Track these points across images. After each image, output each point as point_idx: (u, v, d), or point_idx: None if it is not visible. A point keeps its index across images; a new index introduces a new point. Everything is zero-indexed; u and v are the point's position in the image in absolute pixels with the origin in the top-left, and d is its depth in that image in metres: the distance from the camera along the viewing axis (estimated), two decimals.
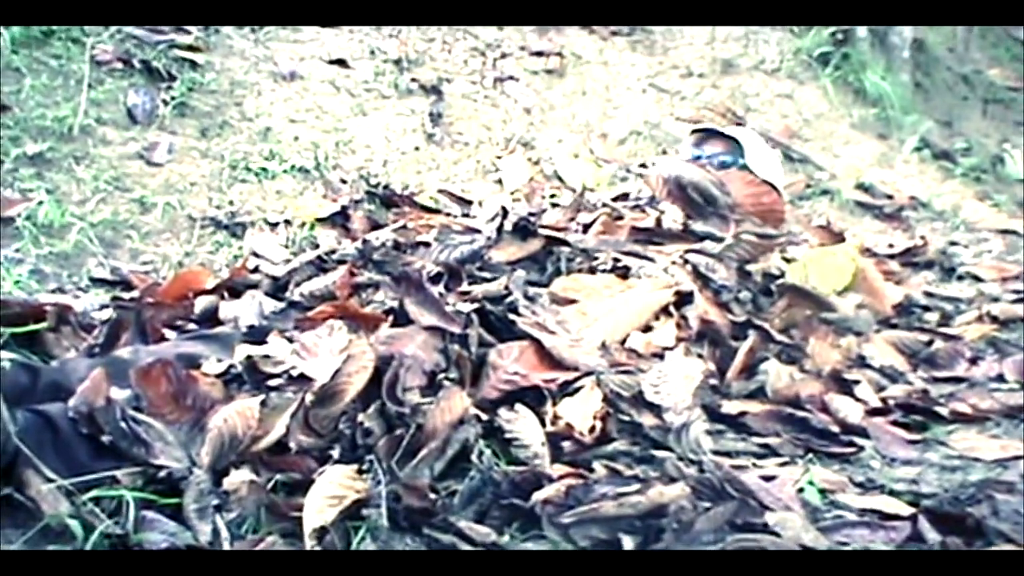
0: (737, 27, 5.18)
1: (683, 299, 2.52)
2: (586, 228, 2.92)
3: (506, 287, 2.38)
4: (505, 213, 2.74)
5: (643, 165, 3.56)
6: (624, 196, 3.38)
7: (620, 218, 2.96)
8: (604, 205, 3.18)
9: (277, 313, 2.41)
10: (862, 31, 5.08)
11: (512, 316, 2.28)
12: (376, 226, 3.18)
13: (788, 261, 2.80)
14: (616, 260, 2.64)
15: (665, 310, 2.50)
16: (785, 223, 3.08)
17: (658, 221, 2.88)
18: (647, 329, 2.44)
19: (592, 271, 2.62)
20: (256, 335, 2.23)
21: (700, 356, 2.38)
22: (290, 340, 2.10)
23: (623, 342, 2.37)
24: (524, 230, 2.71)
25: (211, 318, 2.46)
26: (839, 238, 3.19)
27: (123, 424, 1.79)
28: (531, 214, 2.97)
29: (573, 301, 2.45)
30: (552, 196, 3.74)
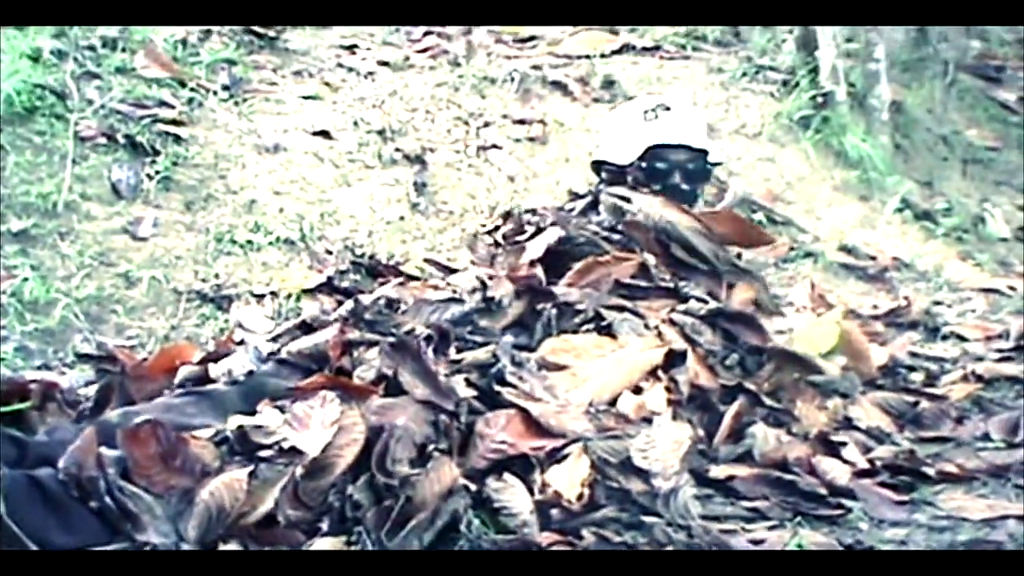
0: (718, 91, 5.23)
1: (672, 360, 2.52)
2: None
3: (494, 354, 2.39)
4: (484, 285, 2.73)
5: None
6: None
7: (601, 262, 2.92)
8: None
9: (269, 371, 2.41)
10: (841, 95, 5.12)
11: (499, 387, 2.28)
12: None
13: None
14: (599, 316, 2.64)
15: (654, 371, 2.50)
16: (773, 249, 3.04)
17: (642, 267, 2.86)
18: (637, 391, 2.44)
19: (577, 329, 2.61)
20: (247, 391, 2.24)
21: (689, 421, 2.39)
22: (281, 410, 2.09)
23: (612, 404, 2.38)
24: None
25: (197, 384, 2.46)
26: (824, 302, 3.20)
27: (108, 497, 1.78)
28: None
29: (562, 366, 2.45)
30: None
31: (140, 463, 1.86)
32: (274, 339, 2.67)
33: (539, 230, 3.05)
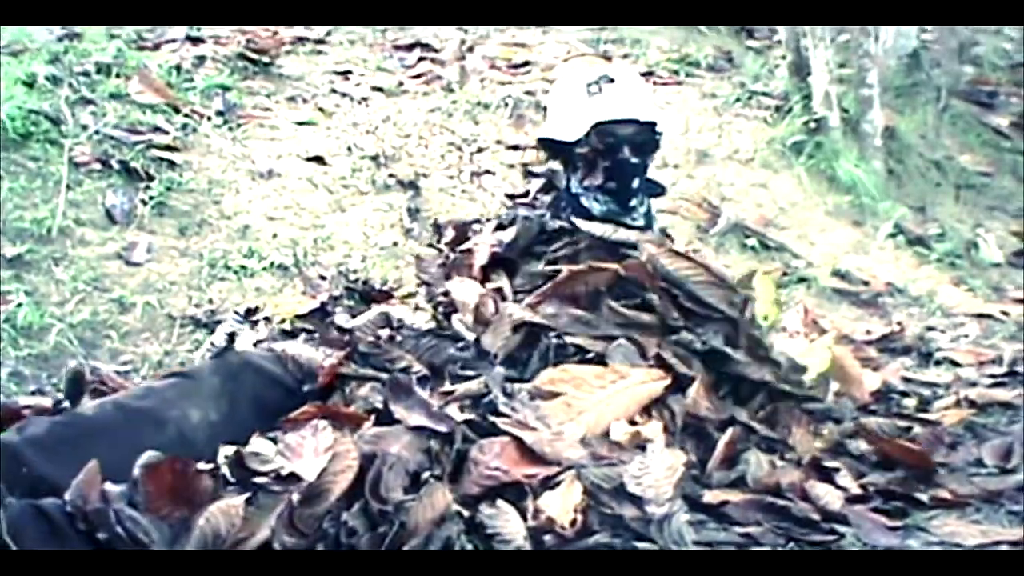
0: (711, 117, 5.25)
1: (669, 390, 2.52)
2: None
3: (486, 384, 2.39)
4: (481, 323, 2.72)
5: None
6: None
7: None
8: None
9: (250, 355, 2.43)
10: (834, 120, 5.14)
11: (493, 417, 2.28)
12: None
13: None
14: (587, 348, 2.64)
15: (652, 402, 2.50)
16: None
17: (619, 277, 2.84)
18: (633, 421, 2.44)
19: (571, 358, 2.61)
20: (228, 373, 2.28)
21: (682, 447, 2.39)
22: (274, 440, 2.10)
23: (607, 434, 2.38)
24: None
25: None
26: (817, 327, 3.21)
27: (120, 527, 1.78)
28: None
29: (558, 394, 2.45)
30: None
31: (153, 497, 1.86)
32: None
33: (500, 226, 3.05)
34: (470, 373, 2.48)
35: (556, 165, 3.22)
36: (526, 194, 3.25)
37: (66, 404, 2.39)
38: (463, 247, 3.05)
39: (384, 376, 2.42)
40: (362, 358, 2.54)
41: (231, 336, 2.53)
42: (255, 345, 2.68)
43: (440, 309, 2.81)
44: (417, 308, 2.84)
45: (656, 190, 3.16)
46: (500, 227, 3.06)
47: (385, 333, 2.65)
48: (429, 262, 3.20)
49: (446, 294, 2.83)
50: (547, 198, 3.20)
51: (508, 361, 2.57)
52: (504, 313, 2.66)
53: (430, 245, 3.39)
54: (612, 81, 3.02)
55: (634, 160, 2.98)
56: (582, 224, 2.91)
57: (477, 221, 3.25)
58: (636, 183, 3.00)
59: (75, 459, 1.94)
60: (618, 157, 2.96)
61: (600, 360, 2.57)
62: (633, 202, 3.01)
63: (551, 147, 3.15)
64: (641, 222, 3.04)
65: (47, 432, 2.05)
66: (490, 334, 2.62)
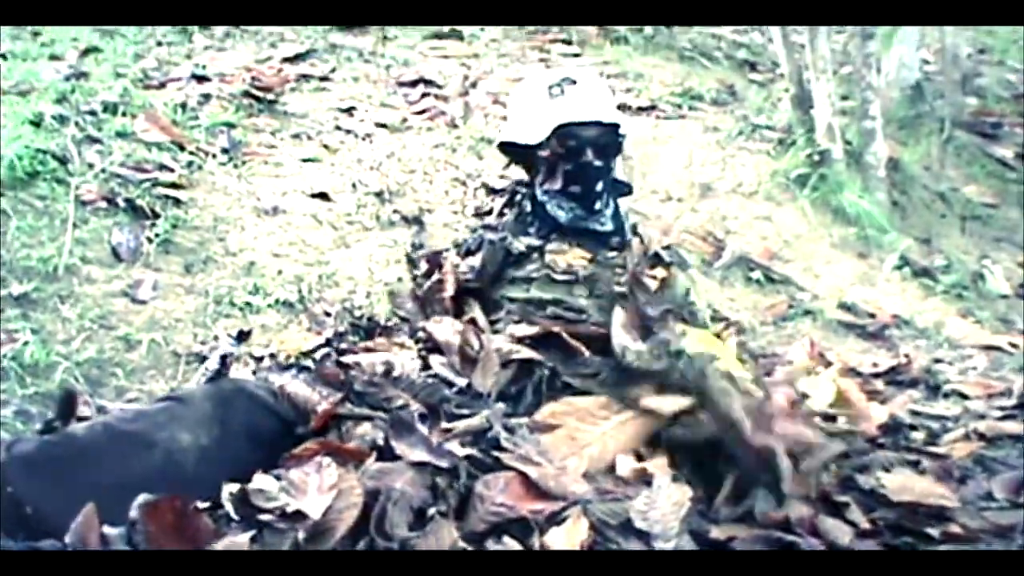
0: (715, 150, 5.26)
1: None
2: None
3: (487, 419, 2.37)
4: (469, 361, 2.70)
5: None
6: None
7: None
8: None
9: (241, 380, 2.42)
10: (838, 152, 5.14)
11: (496, 452, 2.27)
12: None
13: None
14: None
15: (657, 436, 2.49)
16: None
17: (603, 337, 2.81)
18: (639, 454, 2.43)
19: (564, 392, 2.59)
20: (220, 398, 2.28)
21: (688, 482, 2.37)
22: (277, 477, 2.09)
23: (612, 468, 2.36)
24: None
25: None
26: (824, 360, 3.19)
27: None
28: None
29: (557, 426, 2.44)
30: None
31: (153, 536, 1.85)
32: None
33: (468, 252, 3.04)
34: (466, 412, 2.46)
35: (520, 174, 3.20)
36: (490, 211, 3.21)
37: (57, 424, 2.38)
38: (435, 278, 3.05)
39: (380, 415, 2.39)
40: (358, 397, 2.52)
41: (224, 359, 2.52)
42: (253, 374, 2.66)
43: (421, 345, 2.79)
44: (402, 346, 2.82)
45: (623, 189, 3.14)
46: (468, 252, 3.06)
47: (382, 370, 2.64)
48: (403, 298, 3.20)
49: (426, 330, 2.83)
50: (512, 212, 3.19)
51: (501, 397, 2.56)
52: (490, 350, 2.65)
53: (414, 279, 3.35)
54: (574, 83, 3.01)
55: (597, 163, 2.96)
56: (549, 247, 2.92)
57: (448, 250, 3.24)
58: (600, 186, 2.99)
59: (61, 479, 1.95)
60: (581, 160, 2.95)
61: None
62: (598, 205, 3.00)
63: (513, 151, 3.14)
64: (610, 225, 3.03)
65: (35, 451, 2.03)
66: (479, 374, 2.60)
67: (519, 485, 2.20)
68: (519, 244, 2.96)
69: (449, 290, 2.95)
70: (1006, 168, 6.10)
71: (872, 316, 4.42)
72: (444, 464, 2.18)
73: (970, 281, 4.96)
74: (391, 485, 2.09)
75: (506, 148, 3.17)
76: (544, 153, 2.99)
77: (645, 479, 2.32)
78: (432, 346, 2.75)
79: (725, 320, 4.08)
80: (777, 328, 4.18)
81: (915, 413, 3.21)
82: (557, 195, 3.00)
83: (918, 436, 3.02)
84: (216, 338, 3.39)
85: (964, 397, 3.43)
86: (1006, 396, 3.37)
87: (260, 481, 2.06)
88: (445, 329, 2.75)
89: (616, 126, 3.01)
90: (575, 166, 2.96)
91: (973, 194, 5.77)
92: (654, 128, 5.39)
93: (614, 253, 3.01)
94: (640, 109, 5.54)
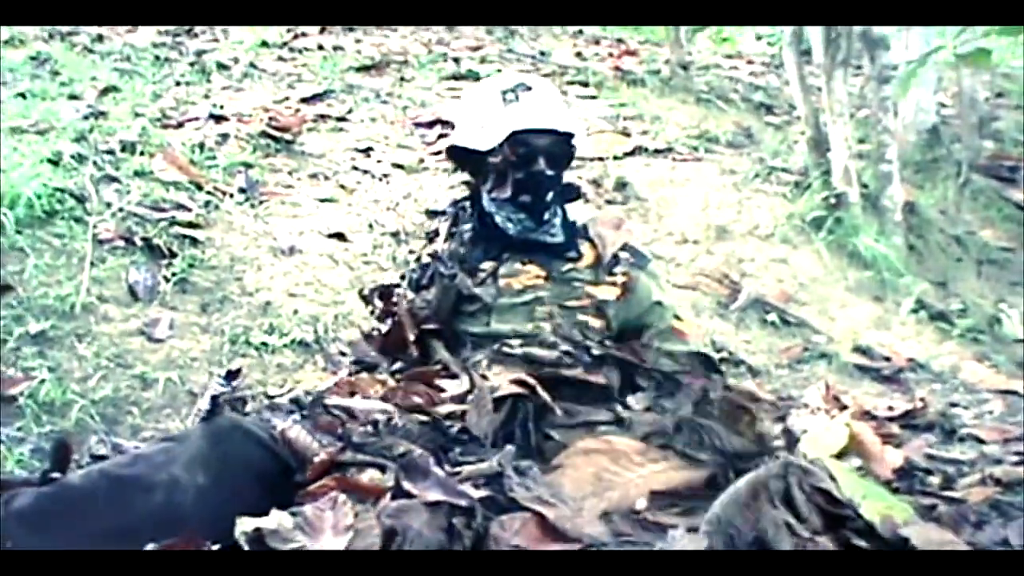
0: (731, 192, 5.26)
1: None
2: None
3: (499, 463, 2.36)
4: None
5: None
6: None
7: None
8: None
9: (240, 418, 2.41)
10: (854, 195, 5.15)
11: (510, 494, 2.26)
12: None
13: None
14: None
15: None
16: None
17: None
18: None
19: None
20: (218, 435, 2.26)
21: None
22: (293, 514, 2.08)
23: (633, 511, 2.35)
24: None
25: None
26: (839, 403, 3.18)
27: None
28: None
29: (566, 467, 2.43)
30: None
31: None
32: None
33: (419, 286, 3.00)
34: (471, 458, 2.44)
35: (463, 189, 3.18)
36: (436, 233, 3.14)
37: (55, 475, 2.38)
38: (391, 322, 2.97)
39: (382, 462, 2.37)
40: (356, 448, 2.49)
41: (215, 399, 2.51)
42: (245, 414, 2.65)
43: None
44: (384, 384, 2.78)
45: (571, 194, 3.08)
46: (419, 287, 3.00)
47: (383, 419, 2.61)
48: (356, 343, 3.16)
49: (401, 370, 2.80)
50: (458, 235, 3.09)
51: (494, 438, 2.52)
52: (483, 392, 2.60)
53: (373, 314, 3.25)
54: (529, 89, 2.95)
55: (549, 172, 2.89)
56: (501, 270, 2.90)
57: (398, 285, 3.15)
58: (550, 196, 2.94)
59: (61, 531, 1.94)
60: (532, 168, 2.89)
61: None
62: (547, 215, 2.94)
63: (462, 156, 3.06)
64: (560, 236, 2.99)
65: (32, 504, 2.02)
66: (474, 415, 2.56)
67: (535, 526, 2.19)
68: (469, 283, 2.91)
69: (410, 335, 2.90)
70: (1023, 211, 6.09)
71: (888, 359, 4.41)
72: (462, 504, 2.17)
73: (986, 325, 4.94)
74: (409, 524, 2.08)
75: (456, 154, 3.09)
76: (495, 160, 2.91)
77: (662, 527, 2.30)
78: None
79: (740, 362, 4.09)
80: (792, 371, 4.17)
81: (930, 457, 3.19)
82: (506, 204, 2.94)
83: (934, 480, 3.00)
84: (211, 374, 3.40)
85: (980, 441, 3.41)
86: (1022, 441, 3.36)
87: (275, 518, 2.06)
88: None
89: (570, 136, 2.97)
90: (526, 174, 2.89)
91: (990, 238, 5.75)
92: (670, 170, 5.39)
93: (569, 265, 2.98)
94: (656, 151, 5.55)
